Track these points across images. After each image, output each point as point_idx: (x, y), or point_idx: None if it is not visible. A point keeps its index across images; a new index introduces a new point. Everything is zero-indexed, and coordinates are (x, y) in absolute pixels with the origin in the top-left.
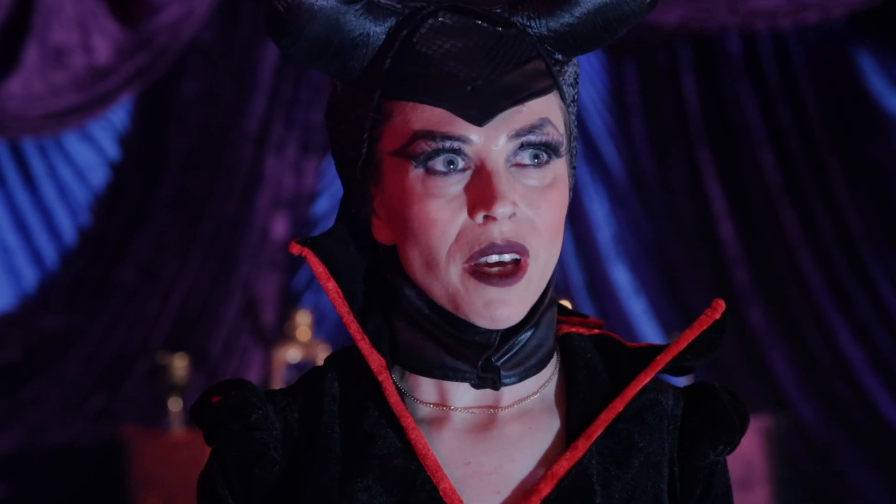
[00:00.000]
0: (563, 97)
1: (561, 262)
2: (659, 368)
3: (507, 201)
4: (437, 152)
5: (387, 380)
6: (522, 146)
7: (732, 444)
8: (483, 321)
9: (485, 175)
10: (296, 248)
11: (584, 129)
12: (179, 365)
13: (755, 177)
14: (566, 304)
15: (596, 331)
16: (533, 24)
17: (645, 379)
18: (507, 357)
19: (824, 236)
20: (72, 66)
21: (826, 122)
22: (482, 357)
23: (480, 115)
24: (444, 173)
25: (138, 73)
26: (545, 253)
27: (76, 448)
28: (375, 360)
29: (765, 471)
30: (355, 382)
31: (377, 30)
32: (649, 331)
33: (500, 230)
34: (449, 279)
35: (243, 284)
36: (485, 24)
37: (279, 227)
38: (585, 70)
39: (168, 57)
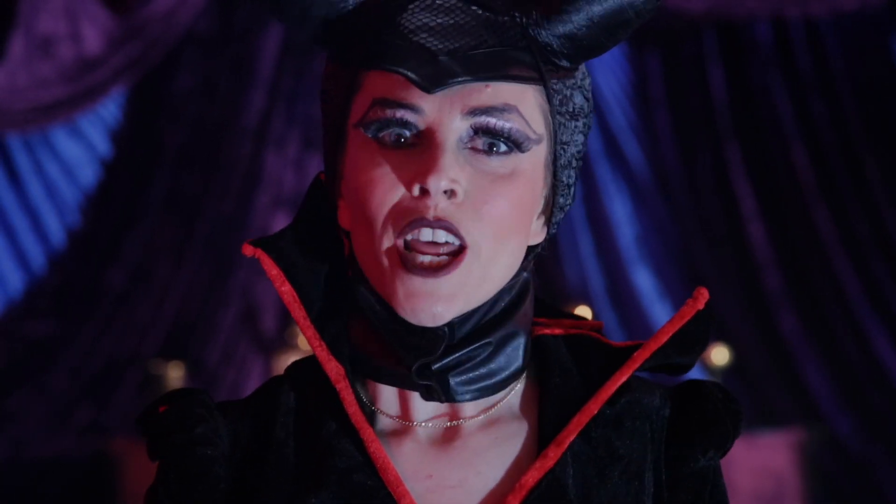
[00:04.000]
0: (549, 99)
1: (580, 266)
2: (636, 366)
3: (443, 175)
4: (388, 123)
5: (345, 389)
6: (478, 131)
7: (724, 449)
8: (406, 314)
9: (431, 148)
10: (248, 250)
11: (605, 124)
12: (174, 375)
13: (787, 174)
14: (586, 310)
15: (574, 331)
16: (531, 23)
17: (621, 378)
18: (458, 370)
19: (861, 238)
20: (59, 57)
21: (863, 115)
22: (418, 362)
23: (432, 81)
24: (393, 144)
25: (130, 64)
26: (488, 246)
27: (63, 463)
28: (333, 368)
29: (797, 487)
30: (314, 392)
31: None
32: None
33: (435, 205)
34: (381, 255)
35: (242, 289)
36: (476, 8)
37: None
38: (606, 60)
39: (161, 47)
